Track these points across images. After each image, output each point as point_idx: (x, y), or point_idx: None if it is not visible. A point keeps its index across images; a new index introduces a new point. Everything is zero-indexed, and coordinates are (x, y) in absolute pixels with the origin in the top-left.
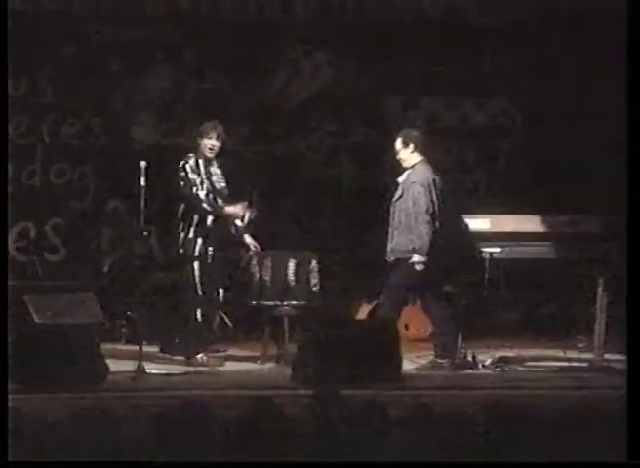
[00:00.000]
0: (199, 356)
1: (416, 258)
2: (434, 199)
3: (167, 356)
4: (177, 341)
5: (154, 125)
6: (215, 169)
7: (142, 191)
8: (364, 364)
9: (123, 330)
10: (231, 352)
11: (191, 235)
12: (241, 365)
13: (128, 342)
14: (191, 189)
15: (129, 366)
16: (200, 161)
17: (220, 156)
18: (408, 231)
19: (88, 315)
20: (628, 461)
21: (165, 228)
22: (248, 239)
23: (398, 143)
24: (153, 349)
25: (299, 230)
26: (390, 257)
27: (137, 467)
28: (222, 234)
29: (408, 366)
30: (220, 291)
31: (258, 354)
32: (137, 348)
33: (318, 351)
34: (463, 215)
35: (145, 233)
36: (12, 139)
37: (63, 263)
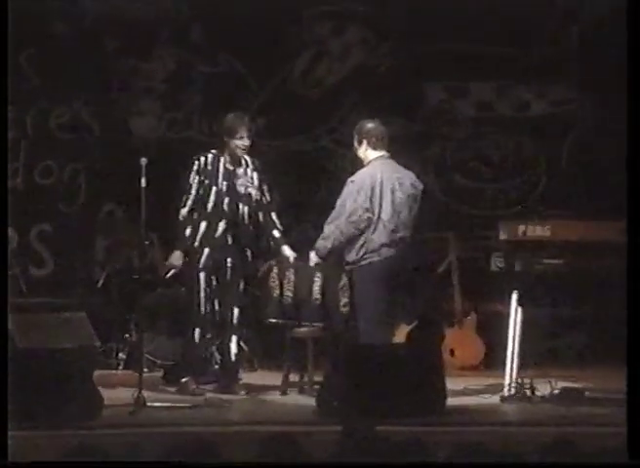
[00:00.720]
0: (193, 387)
1: (311, 255)
2: (376, 202)
3: (171, 384)
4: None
5: (157, 115)
6: (242, 170)
7: (143, 193)
8: (402, 395)
9: (120, 354)
10: (246, 380)
11: (197, 244)
12: (257, 395)
13: (126, 368)
14: (187, 191)
15: (127, 395)
16: (221, 160)
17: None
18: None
19: (79, 338)
20: (628, 461)
21: (169, 237)
22: (287, 251)
23: (354, 140)
24: (155, 375)
25: None
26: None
27: (136, 467)
28: (238, 244)
29: (454, 397)
30: (235, 310)
31: (277, 383)
32: (136, 375)
33: (348, 380)
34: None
35: (147, 242)
36: None
37: (51, 277)
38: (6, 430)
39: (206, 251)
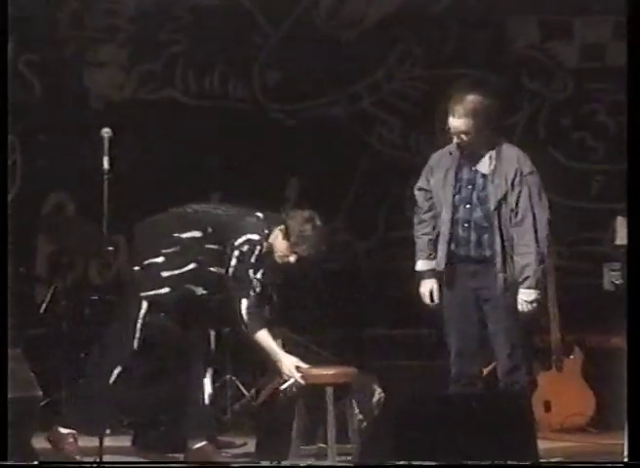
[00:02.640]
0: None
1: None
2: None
3: (141, 452)
4: (161, 429)
5: (124, 67)
6: None
7: (106, 178)
8: (476, 460)
9: (71, 409)
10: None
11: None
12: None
13: (77, 429)
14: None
15: None
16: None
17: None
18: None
19: (12, 386)
20: (628, 461)
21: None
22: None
23: (462, 122)
24: (120, 443)
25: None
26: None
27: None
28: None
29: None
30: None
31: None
32: (94, 440)
33: (397, 442)
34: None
35: (109, 248)
36: None
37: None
38: (6, 430)
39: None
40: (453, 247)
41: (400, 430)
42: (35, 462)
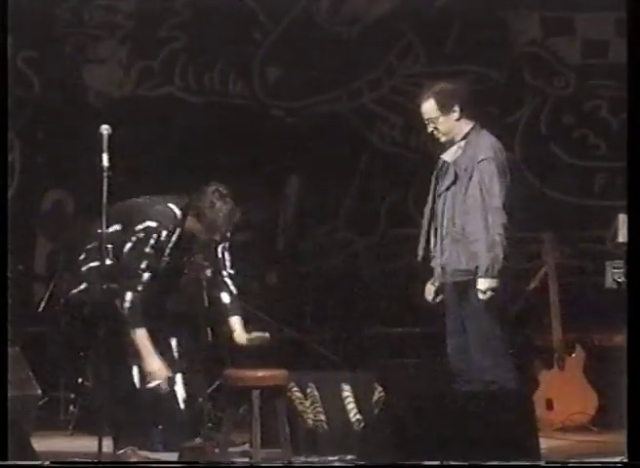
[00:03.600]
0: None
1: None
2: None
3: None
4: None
5: (123, 64)
6: None
7: (105, 175)
8: (478, 459)
9: (71, 409)
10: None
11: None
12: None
13: (79, 429)
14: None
15: None
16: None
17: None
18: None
19: (12, 385)
20: (628, 461)
21: None
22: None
23: (430, 106)
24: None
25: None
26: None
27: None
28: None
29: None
30: (173, 342)
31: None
32: (93, 440)
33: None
34: None
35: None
36: None
37: None
38: (6, 430)
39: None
40: (426, 242)
41: (401, 429)
42: (36, 462)
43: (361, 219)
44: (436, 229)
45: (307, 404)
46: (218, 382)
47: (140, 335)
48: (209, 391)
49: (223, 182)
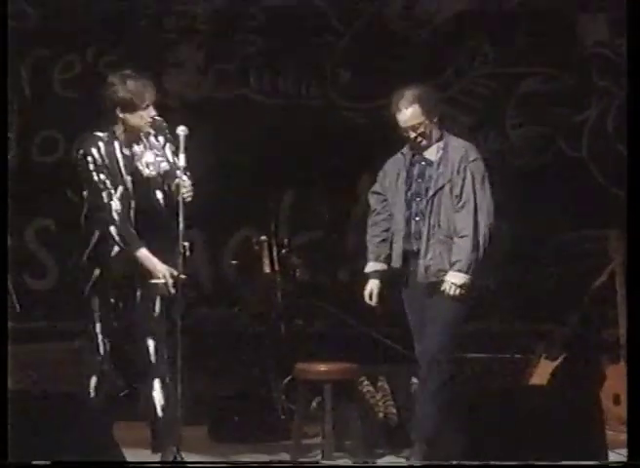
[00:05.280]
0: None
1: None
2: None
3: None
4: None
5: (200, 67)
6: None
7: (181, 173)
8: (545, 456)
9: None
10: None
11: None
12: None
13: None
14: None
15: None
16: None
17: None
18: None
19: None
20: (628, 461)
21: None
22: None
23: (414, 112)
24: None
25: None
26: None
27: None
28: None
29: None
30: (150, 343)
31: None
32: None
33: (469, 434)
34: None
35: (185, 244)
36: None
37: (53, 292)
38: (6, 430)
39: (96, 272)
40: (407, 244)
41: (467, 421)
42: (37, 462)
43: None
44: (420, 230)
45: (378, 397)
46: (290, 376)
47: (143, 253)
48: (282, 385)
49: (299, 182)
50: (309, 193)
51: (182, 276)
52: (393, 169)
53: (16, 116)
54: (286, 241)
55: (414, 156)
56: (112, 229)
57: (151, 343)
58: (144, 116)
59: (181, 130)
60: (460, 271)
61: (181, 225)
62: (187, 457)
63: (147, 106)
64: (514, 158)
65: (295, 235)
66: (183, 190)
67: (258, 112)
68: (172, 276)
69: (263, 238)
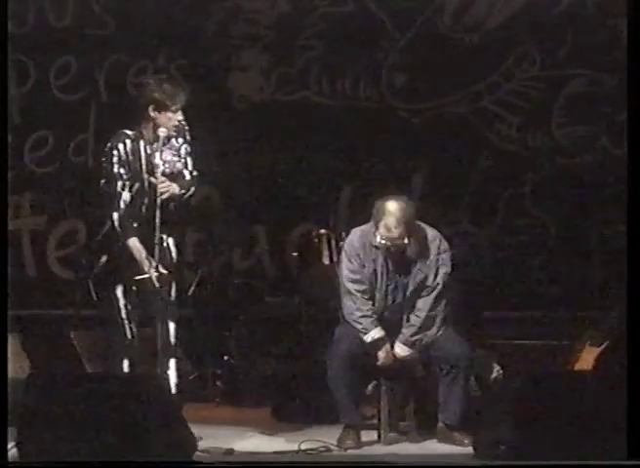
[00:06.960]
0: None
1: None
2: None
3: (280, 423)
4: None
5: (264, 71)
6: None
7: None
8: (588, 444)
9: (218, 383)
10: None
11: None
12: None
13: (225, 401)
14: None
15: (227, 434)
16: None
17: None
18: None
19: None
20: (628, 461)
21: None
22: None
23: (394, 226)
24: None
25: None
26: None
27: (139, 467)
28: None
29: None
30: (171, 326)
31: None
32: (239, 410)
33: (517, 418)
34: None
35: (250, 236)
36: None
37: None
38: (6, 430)
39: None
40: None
41: (516, 406)
42: (37, 462)
43: (481, 212)
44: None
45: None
46: None
47: (134, 243)
48: None
49: (355, 180)
50: (366, 190)
51: (164, 271)
52: (368, 260)
53: (93, 119)
54: (344, 234)
55: (389, 253)
56: (115, 215)
57: (172, 326)
58: (173, 118)
59: (161, 131)
60: (404, 344)
61: (158, 222)
62: (253, 437)
63: (177, 110)
64: (560, 156)
65: (352, 229)
66: (161, 189)
67: (318, 113)
68: (157, 271)
69: (323, 231)
